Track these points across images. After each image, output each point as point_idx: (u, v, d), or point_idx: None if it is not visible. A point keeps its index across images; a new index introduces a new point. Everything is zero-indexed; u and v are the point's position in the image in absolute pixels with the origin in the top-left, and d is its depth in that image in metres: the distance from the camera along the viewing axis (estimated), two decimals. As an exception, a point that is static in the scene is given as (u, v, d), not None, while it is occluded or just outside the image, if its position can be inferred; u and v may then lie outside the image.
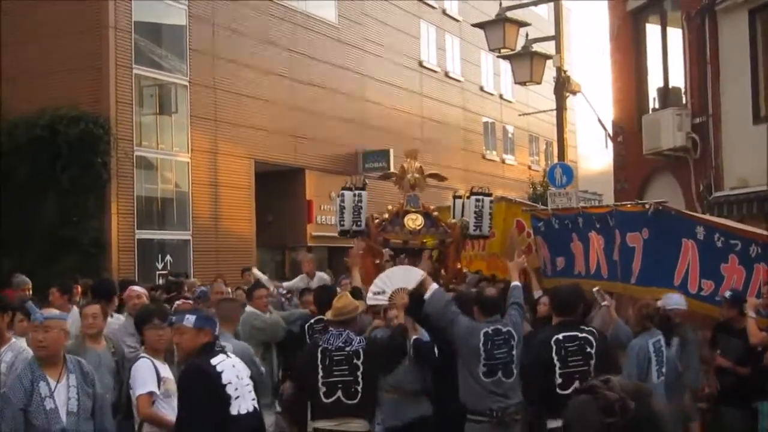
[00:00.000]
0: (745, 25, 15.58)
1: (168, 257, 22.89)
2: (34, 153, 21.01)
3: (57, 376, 6.31)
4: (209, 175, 24.29)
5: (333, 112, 29.14)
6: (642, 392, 2.81)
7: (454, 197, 13.00)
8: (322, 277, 15.18)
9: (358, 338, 7.76)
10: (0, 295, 9.02)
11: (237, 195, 25.18)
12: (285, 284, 15.01)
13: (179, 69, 23.82)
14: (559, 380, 7.56)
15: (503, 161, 41.93)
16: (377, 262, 11.79)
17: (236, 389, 6.06)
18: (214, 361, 6.08)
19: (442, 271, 12.22)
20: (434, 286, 8.64)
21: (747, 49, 15.55)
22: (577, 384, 7.42)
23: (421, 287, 8.74)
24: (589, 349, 7.66)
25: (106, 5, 21.61)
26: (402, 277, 9.11)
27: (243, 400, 6.08)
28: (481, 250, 14.43)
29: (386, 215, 12.15)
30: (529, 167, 43.51)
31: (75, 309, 10.65)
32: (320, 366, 7.50)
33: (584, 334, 7.73)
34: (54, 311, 6.92)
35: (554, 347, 7.63)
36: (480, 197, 12.18)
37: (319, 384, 7.49)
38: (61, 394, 6.27)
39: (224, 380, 6.02)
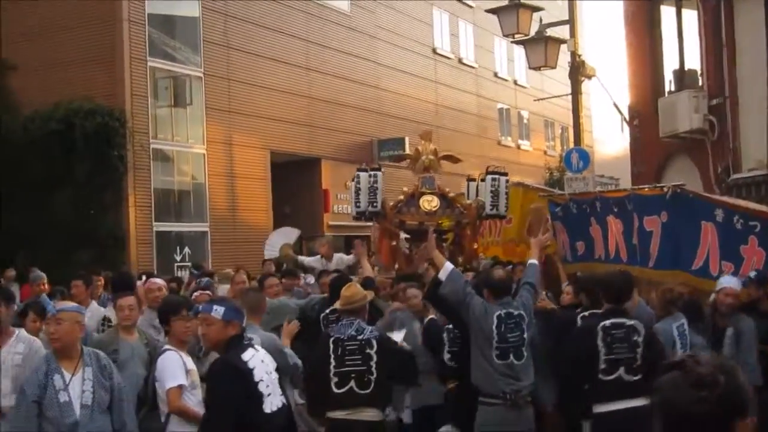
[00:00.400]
0: (761, 5, 15.49)
1: (186, 249, 22.93)
2: (49, 147, 21.01)
3: (73, 368, 6.29)
4: (225, 166, 24.32)
5: (347, 101, 29.13)
6: (728, 366, 2.86)
7: (468, 180, 13.01)
8: (341, 258, 15.20)
9: (370, 327, 7.69)
10: (3, 288, 9.05)
11: (253, 186, 25.20)
12: (301, 258, 15.11)
13: (193, 61, 23.83)
14: (603, 366, 7.57)
15: (519, 147, 41.82)
16: (393, 243, 11.89)
17: (267, 386, 5.95)
18: (245, 356, 5.92)
19: (459, 256, 12.24)
20: (449, 266, 8.49)
21: (763, 29, 15.48)
22: (622, 371, 7.53)
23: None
24: (636, 337, 7.62)
25: (120, -3, 21.65)
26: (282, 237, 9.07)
27: (273, 396, 6.00)
28: (497, 236, 14.43)
29: (401, 197, 12.18)
30: (545, 152, 43.38)
31: (94, 303, 10.70)
32: (332, 356, 7.40)
33: (632, 322, 7.71)
34: (68, 303, 6.95)
35: (600, 333, 7.61)
36: (496, 176, 12.17)
37: (331, 374, 7.38)
38: (75, 386, 6.24)
39: (256, 377, 5.89)
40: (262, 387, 5.90)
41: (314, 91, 27.68)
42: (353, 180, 12.30)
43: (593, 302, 8.73)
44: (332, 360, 7.39)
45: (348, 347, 7.42)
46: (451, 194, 12.31)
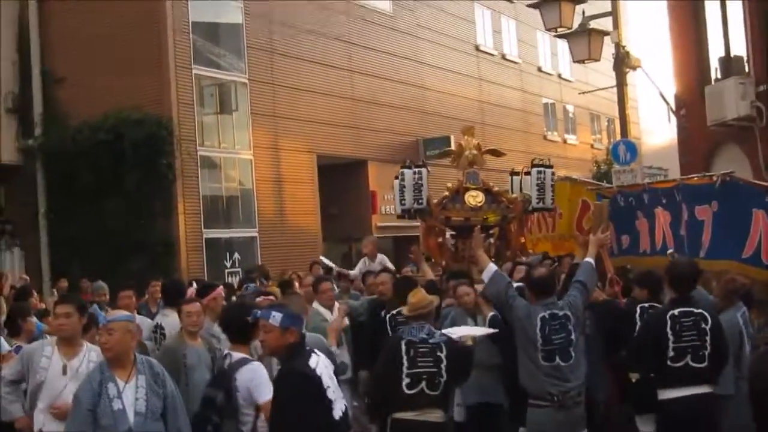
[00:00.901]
0: (807, -12, 15.29)
1: (236, 255, 23.06)
2: (99, 157, 21.29)
3: (126, 376, 6.36)
4: (272, 171, 24.42)
5: (392, 101, 29.15)
6: None
7: (512, 174, 12.93)
8: (383, 259, 15.20)
9: (439, 332, 7.73)
10: (80, 298, 9.15)
11: (301, 190, 25.28)
12: (351, 273, 15.06)
13: (237, 67, 23.97)
14: (671, 353, 7.75)
15: (565, 141, 41.56)
16: (440, 240, 11.97)
17: (333, 391, 6.02)
18: (311, 363, 5.96)
19: (505, 251, 12.20)
20: (492, 267, 8.48)
21: (809, 13, 15.26)
22: (689, 358, 7.62)
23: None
24: (704, 325, 7.79)
25: (164, 6, 21.80)
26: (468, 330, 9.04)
27: (339, 401, 6.07)
28: (549, 231, 14.37)
29: (446, 193, 12.14)
30: (592, 146, 43.10)
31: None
32: (405, 357, 7.41)
33: (700, 310, 7.88)
34: (120, 312, 6.98)
35: (669, 322, 7.79)
36: (542, 169, 12.08)
37: (403, 375, 7.39)
38: (129, 394, 6.31)
39: (324, 384, 5.95)
40: (330, 393, 5.98)
41: (358, 92, 27.74)
42: (398, 177, 12.28)
43: (653, 294, 8.81)
44: (405, 361, 7.40)
45: (420, 350, 7.45)
46: (496, 189, 12.25)
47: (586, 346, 8.31)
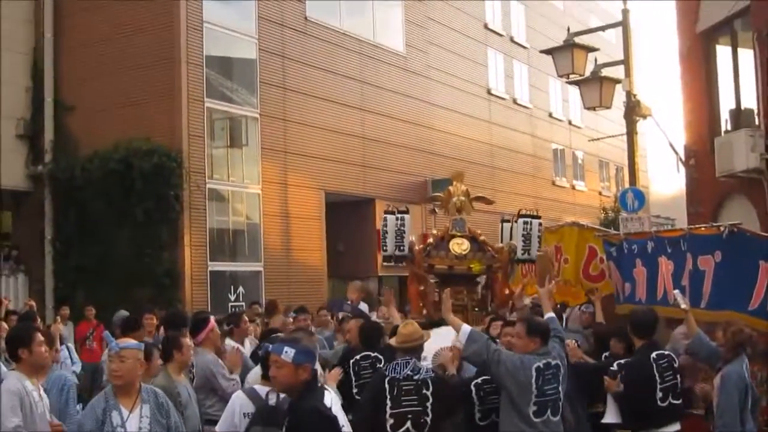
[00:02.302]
0: (818, 44, 15.36)
1: (240, 288, 23.05)
2: (108, 186, 21.41)
3: (131, 405, 6.35)
4: (280, 206, 24.47)
5: (401, 141, 29.26)
6: None
7: (503, 221, 12.81)
8: (363, 308, 15.07)
9: (425, 367, 7.49)
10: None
11: (308, 226, 25.31)
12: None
13: (249, 101, 24.09)
14: (660, 394, 8.04)
15: (573, 187, 41.65)
16: (422, 288, 11.50)
17: (347, 429, 5.83)
18: (327, 401, 5.68)
19: (491, 300, 12.06)
20: (466, 328, 8.06)
21: (819, 68, 15.32)
22: (671, 397, 7.74)
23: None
24: (675, 365, 8.25)
25: (178, 40, 21.96)
26: (441, 340, 8.84)
27: None
28: (534, 275, 14.25)
29: (431, 240, 11.96)
30: (600, 193, 43.19)
31: None
32: (388, 397, 7.18)
33: (668, 352, 8.29)
34: (130, 341, 6.95)
35: (654, 365, 8.10)
36: (528, 219, 11.92)
37: (387, 416, 7.16)
38: (133, 423, 6.31)
39: (340, 422, 5.74)
40: None
41: (368, 131, 27.84)
42: (381, 223, 12.12)
43: (628, 348, 9.00)
44: (388, 401, 7.18)
45: (405, 387, 7.22)
46: (482, 237, 12.09)
47: (569, 402, 8.22)
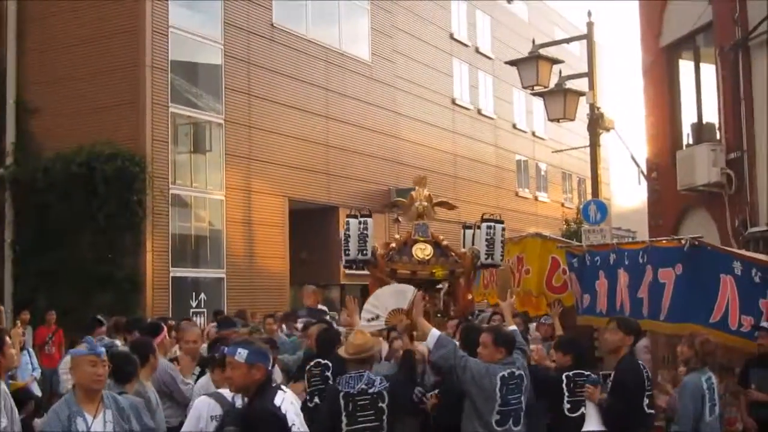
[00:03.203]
0: (779, 59, 15.52)
1: (202, 295, 22.95)
2: (70, 190, 21.26)
3: (94, 411, 6.28)
4: (244, 213, 24.41)
5: (366, 149, 29.31)
6: None
7: (464, 227, 12.80)
8: (323, 310, 15.01)
9: (379, 378, 7.23)
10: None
11: (271, 233, 25.26)
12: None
13: (214, 107, 24.02)
14: (647, 401, 8.00)
15: (536, 198, 41.88)
16: None
17: (298, 429, 5.95)
18: (277, 401, 5.86)
19: (453, 306, 12.05)
20: (435, 332, 8.01)
21: (781, 83, 15.47)
22: (648, 402, 8.07)
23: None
24: (649, 374, 8.39)
25: (144, 44, 21.87)
26: (393, 297, 8.77)
27: None
28: (495, 286, 14.31)
29: (394, 245, 11.91)
30: (563, 204, 43.46)
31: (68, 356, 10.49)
32: (343, 413, 6.97)
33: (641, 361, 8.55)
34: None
35: (643, 370, 8.15)
36: (491, 224, 11.92)
37: None
38: (97, 429, 6.24)
39: (289, 421, 5.88)
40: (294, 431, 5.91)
41: (333, 139, 27.86)
42: (344, 227, 12.06)
43: (576, 362, 8.76)
44: (344, 417, 6.98)
45: (360, 403, 7.01)
46: (445, 243, 12.09)
47: (529, 412, 8.24)
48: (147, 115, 21.77)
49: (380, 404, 7.03)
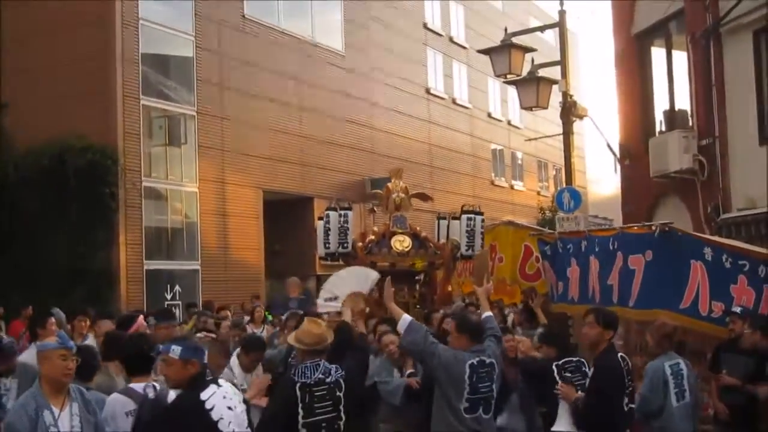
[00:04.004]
0: (750, 46, 15.57)
1: (177, 287, 22.86)
2: (42, 184, 21.08)
3: (60, 404, 6.25)
4: (217, 205, 24.31)
5: (341, 140, 29.24)
6: None
7: (438, 218, 12.77)
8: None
9: (334, 367, 6.99)
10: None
11: (246, 224, 25.18)
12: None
13: (187, 99, 23.90)
14: (626, 399, 7.72)
15: (512, 187, 41.92)
16: None
17: (230, 423, 5.96)
18: (204, 395, 5.96)
19: (431, 297, 12.01)
20: (407, 317, 7.92)
21: (752, 69, 15.53)
22: (628, 401, 7.75)
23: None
24: (630, 368, 7.90)
25: (114, 36, 21.73)
26: (354, 280, 8.69)
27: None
28: (469, 275, 14.28)
29: (372, 237, 11.86)
30: (538, 193, 43.52)
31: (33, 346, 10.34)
32: (300, 405, 6.72)
33: (623, 354, 8.05)
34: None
35: (625, 366, 7.79)
36: (471, 216, 11.92)
37: (300, 426, 6.71)
38: (64, 422, 6.19)
39: (215, 416, 5.92)
40: (222, 425, 5.93)
41: (307, 130, 27.76)
42: (323, 218, 11.99)
43: (560, 352, 8.66)
44: (300, 409, 6.73)
45: (317, 393, 6.79)
46: (424, 234, 12.05)
47: (521, 402, 8.18)
48: (118, 108, 21.65)
49: (338, 394, 6.87)
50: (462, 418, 7.44)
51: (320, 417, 6.76)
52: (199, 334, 9.21)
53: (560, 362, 8.44)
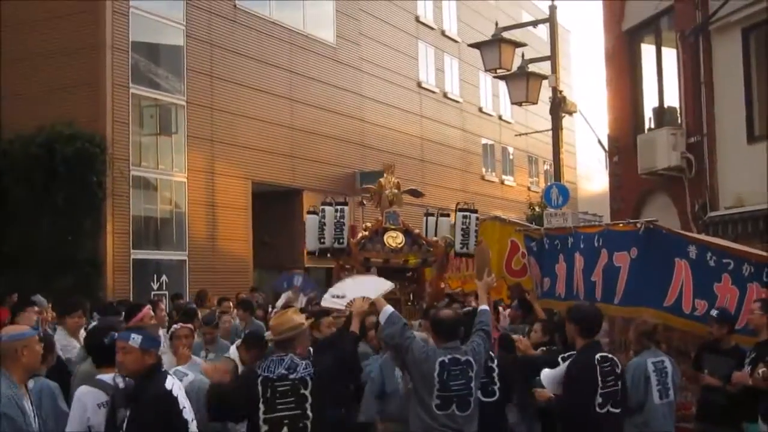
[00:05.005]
0: (739, 44, 15.57)
1: (164, 277, 22.83)
2: (30, 171, 21.02)
3: (25, 393, 6.32)
4: (206, 195, 24.28)
5: (331, 132, 29.20)
6: None
7: (426, 215, 12.73)
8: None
9: (304, 363, 6.76)
10: None
11: (234, 215, 25.15)
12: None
13: (177, 89, 23.85)
14: (599, 400, 7.43)
15: (502, 182, 41.94)
16: None
17: (188, 411, 6.06)
18: (167, 384, 6.04)
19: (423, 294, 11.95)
20: (388, 308, 7.83)
21: (741, 67, 15.53)
22: (610, 404, 7.43)
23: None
24: (617, 370, 7.61)
25: (104, 25, 21.68)
26: (369, 286, 8.67)
27: (193, 422, 6.13)
28: (456, 271, 14.23)
29: (365, 233, 11.80)
30: (529, 188, 43.55)
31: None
32: (261, 399, 6.54)
33: (611, 355, 7.69)
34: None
35: (598, 367, 7.48)
36: (467, 213, 11.88)
37: (260, 422, 6.54)
38: (31, 410, 6.30)
39: (180, 404, 6.02)
40: (185, 414, 6.01)
41: (297, 121, 27.73)
42: (319, 212, 11.92)
43: (566, 341, 8.59)
44: (261, 404, 6.56)
45: (279, 388, 6.59)
46: (417, 230, 12.02)
47: (519, 399, 8.10)
48: (107, 96, 21.62)
49: (302, 391, 6.63)
50: (435, 414, 7.35)
51: (282, 413, 6.58)
52: (175, 325, 9.12)
53: (566, 354, 8.32)
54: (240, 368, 8.46)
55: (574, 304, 8.78)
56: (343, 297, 8.26)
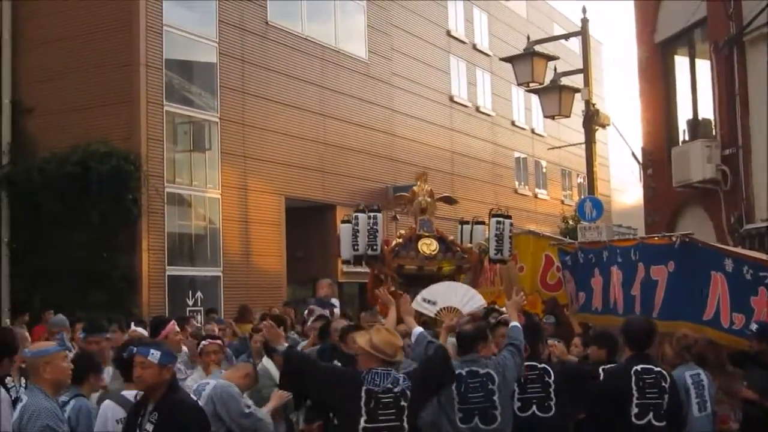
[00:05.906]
0: (774, 56, 15.47)
1: (199, 293, 22.90)
2: (65, 188, 21.19)
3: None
4: (240, 211, 24.36)
5: (363, 147, 29.24)
6: None
7: (461, 223, 12.72)
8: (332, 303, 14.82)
9: (403, 376, 6.84)
10: None
11: (267, 231, 25.22)
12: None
13: (210, 105, 23.97)
14: (635, 410, 7.56)
15: (536, 196, 41.78)
16: (392, 289, 11.08)
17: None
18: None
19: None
20: (417, 330, 7.94)
21: (775, 80, 15.43)
22: (651, 416, 7.51)
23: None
24: (663, 384, 7.69)
25: (138, 42, 21.84)
26: (461, 298, 8.62)
27: None
28: (490, 285, 14.18)
29: (399, 240, 11.80)
30: (562, 202, 43.33)
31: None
32: (364, 409, 6.58)
33: (659, 368, 7.78)
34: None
35: (633, 377, 7.63)
36: (501, 219, 11.86)
37: (360, 430, 6.58)
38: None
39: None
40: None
41: (329, 136, 27.79)
42: (352, 220, 11.98)
43: (611, 355, 8.67)
44: (364, 413, 6.59)
45: (383, 400, 6.63)
46: (451, 237, 12.02)
47: (557, 407, 8.08)
48: (141, 114, 21.72)
49: (402, 403, 6.69)
50: (457, 427, 7.43)
51: (382, 424, 6.63)
52: (204, 342, 9.14)
53: (607, 366, 8.44)
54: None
55: (629, 317, 8.79)
56: (434, 303, 8.27)
